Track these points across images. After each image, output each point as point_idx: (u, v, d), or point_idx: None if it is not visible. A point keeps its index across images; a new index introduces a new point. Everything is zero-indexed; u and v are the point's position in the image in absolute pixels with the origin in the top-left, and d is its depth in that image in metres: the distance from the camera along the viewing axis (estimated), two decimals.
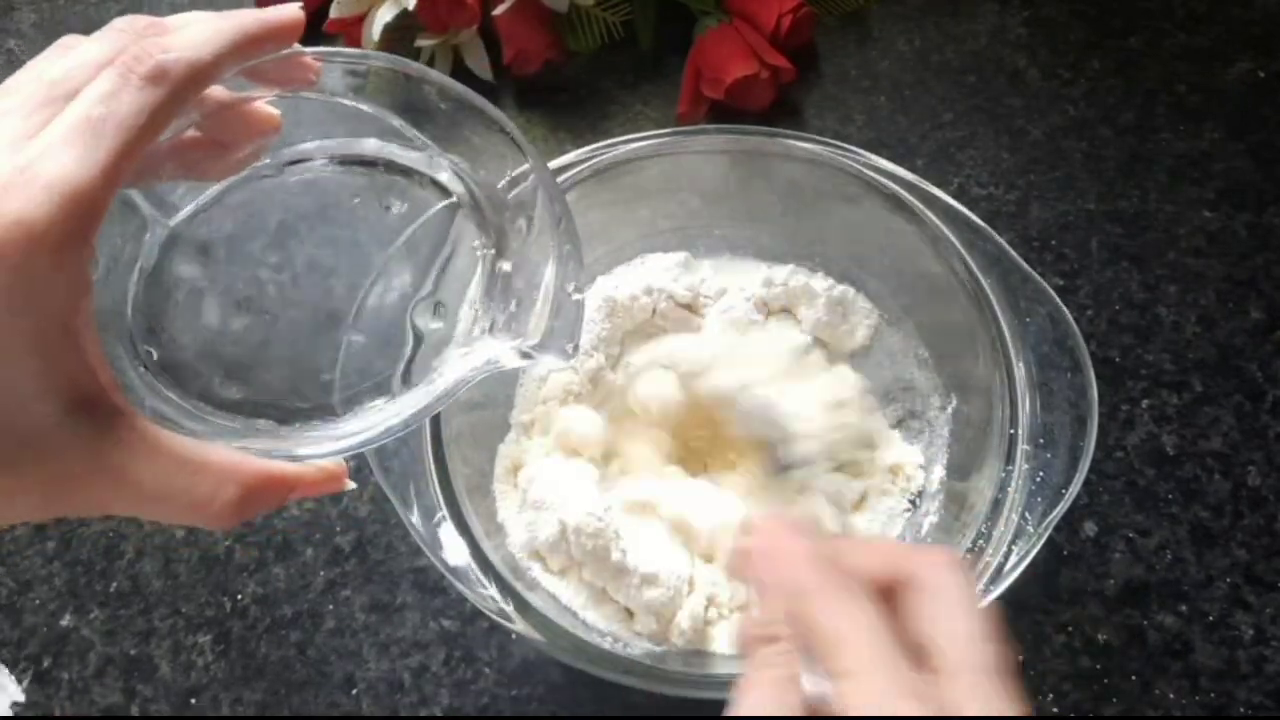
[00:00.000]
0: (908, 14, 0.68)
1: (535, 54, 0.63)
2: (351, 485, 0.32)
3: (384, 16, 0.60)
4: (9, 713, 0.48)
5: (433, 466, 0.42)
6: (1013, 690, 0.26)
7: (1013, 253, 0.44)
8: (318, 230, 0.35)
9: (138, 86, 0.25)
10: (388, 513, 0.52)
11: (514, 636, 0.49)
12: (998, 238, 0.45)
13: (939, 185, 0.47)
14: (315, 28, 0.65)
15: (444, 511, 0.41)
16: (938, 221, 0.45)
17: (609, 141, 0.48)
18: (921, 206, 0.46)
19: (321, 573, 0.51)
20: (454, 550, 0.41)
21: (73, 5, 0.71)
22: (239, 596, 0.50)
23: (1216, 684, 0.47)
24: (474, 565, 0.40)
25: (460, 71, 0.65)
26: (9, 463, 0.23)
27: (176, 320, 0.32)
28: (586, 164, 0.47)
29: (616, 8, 0.63)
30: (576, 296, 0.33)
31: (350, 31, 0.64)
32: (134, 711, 0.48)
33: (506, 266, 0.33)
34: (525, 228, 0.34)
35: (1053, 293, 0.43)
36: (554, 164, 0.47)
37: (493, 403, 0.49)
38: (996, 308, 0.44)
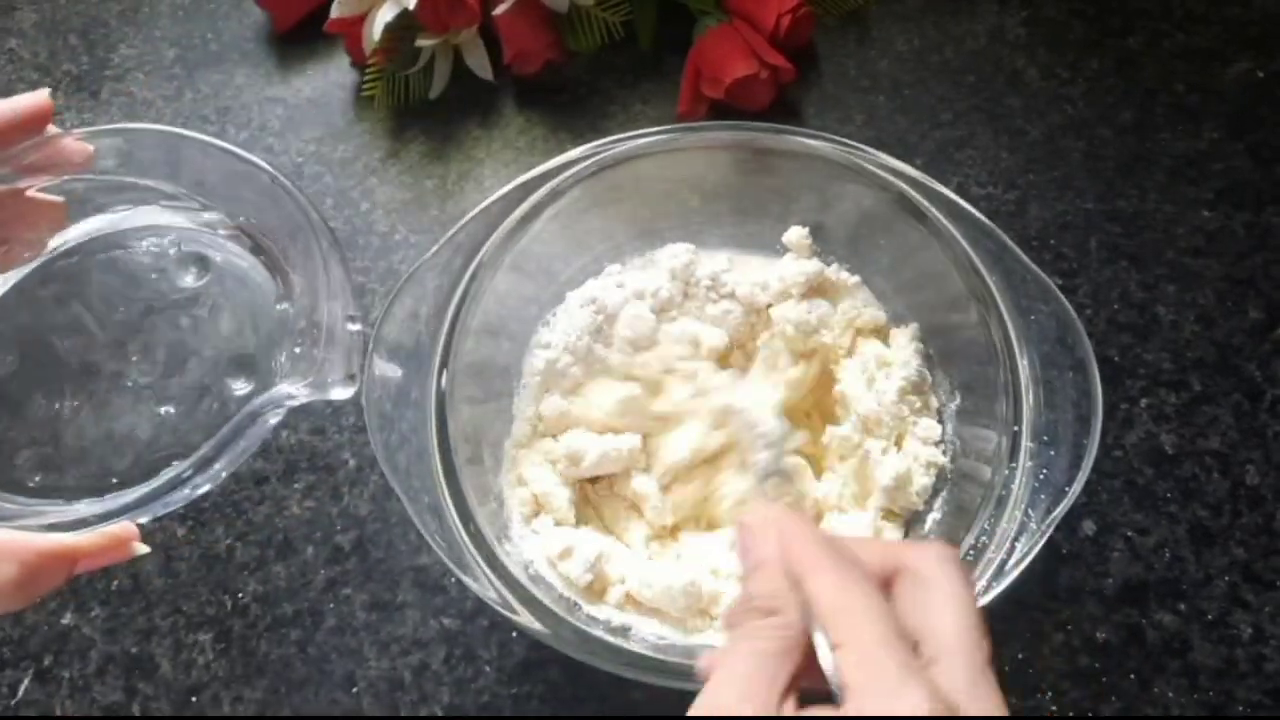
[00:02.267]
0: (907, 14, 0.68)
1: (535, 54, 0.63)
2: (143, 549, 0.32)
3: (384, 16, 0.60)
4: None
5: (438, 460, 0.42)
6: (999, 687, 0.26)
7: (1017, 250, 0.44)
8: (117, 309, 0.36)
9: None
10: (388, 511, 0.52)
11: (514, 634, 0.49)
12: (1002, 235, 0.45)
13: (940, 185, 0.47)
14: (316, 28, 0.65)
15: (449, 504, 0.41)
16: (942, 218, 0.45)
17: (609, 139, 0.48)
18: (926, 203, 0.46)
19: (322, 571, 0.51)
20: (459, 543, 0.41)
21: (74, 5, 0.71)
22: (240, 595, 0.50)
23: (1215, 683, 0.47)
24: (478, 558, 0.40)
25: (460, 71, 0.65)
26: None
27: None
28: (587, 162, 0.47)
29: (616, 8, 0.63)
30: (352, 328, 0.34)
31: (351, 32, 0.64)
32: (135, 710, 0.48)
33: (294, 309, 0.34)
34: (308, 269, 0.35)
35: (1058, 290, 0.43)
36: (554, 162, 0.47)
37: (495, 396, 0.49)
38: (1001, 305, 0.44)
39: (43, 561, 0.28)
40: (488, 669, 0.48)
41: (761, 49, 0.61)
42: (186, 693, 0.48)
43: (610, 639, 0.40)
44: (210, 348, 0.35)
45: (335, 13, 0.63)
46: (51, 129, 0.31)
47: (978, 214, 0.45)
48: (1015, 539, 0.40)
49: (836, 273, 0.51)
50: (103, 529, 0.31)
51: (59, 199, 0.33)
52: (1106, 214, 0.60)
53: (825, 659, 0.26)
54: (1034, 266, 0.44)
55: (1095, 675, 0.47)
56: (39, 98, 0.30)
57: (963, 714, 0.25)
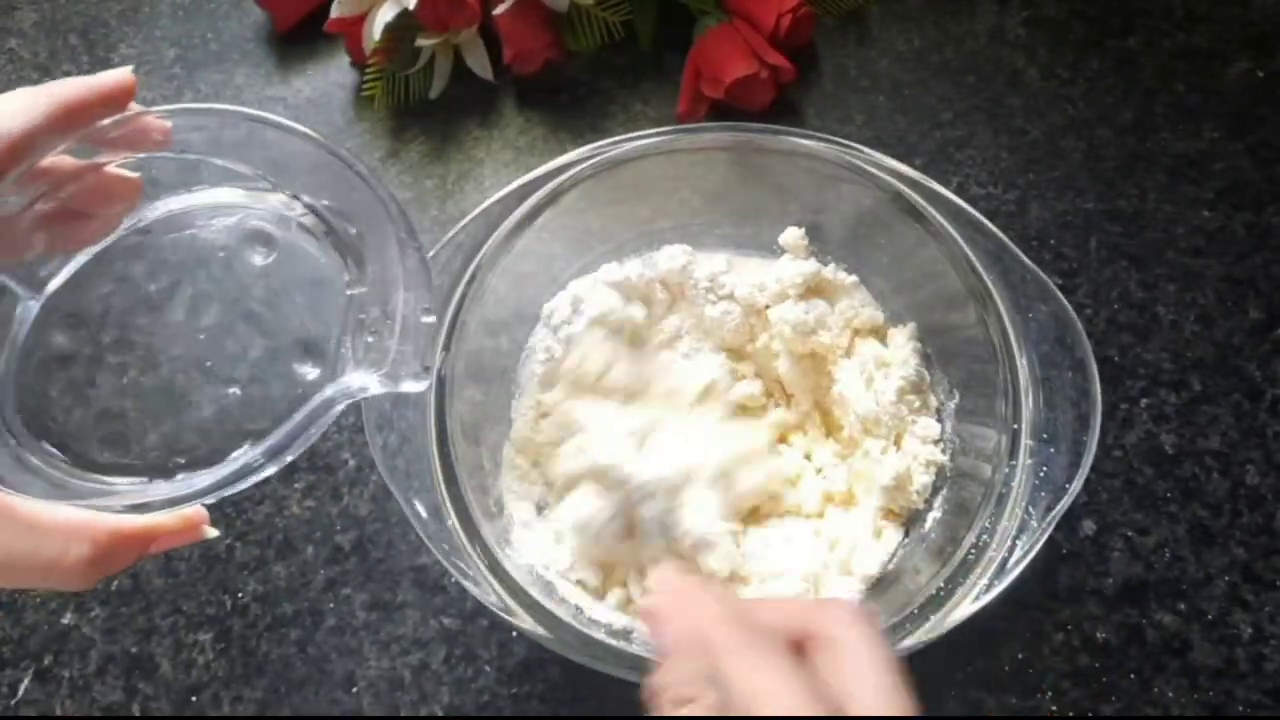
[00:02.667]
0: (907, 14, 0.68)
1: (535, 54, 0.63)
2: (213, 532, 0.33)
3: (384, 16, 0.60)
4: None
5: (437, 463, 0.42)
6: None
7: (1017, 250, 0.44)
8: (189, 288, 0.36)
9: None
10: (388, 511, 0.52)
11: (514, 634, 0.49)
12: (1000, 235, 0.45)
13: (938, 184, 0.47)
14: (316, 28, 0.65)
15: (449, 507, 0.41)
16: (940, 218, 0.45)
17: (610, 140, 0.48)
18: (924, 203, 0.46)
19: (322, 571, 0.51)
20: (459, 547, 0.41)
21: (74, 5, 0.71)
22: (239, 594, 0.50)
23: (1215, 682, 0.47)
24: (479, 562, 0.40)
25: (460, 71, 0.65)
26: None
27: (52, 390, 0.33)
28: (587, 163, 0.47)
29: (616, 7, 0.63)
30: (426, 319, 0.34)
31: (351, 31, 0.64)
32: (135, 710, 0.48)
33: (366, 297, 0.34)
34: (382, 258, 0.35)
35: (1056, 290, 0.43)
36: (554, 164, 0.48)
37: (494, 398, 0.49)
38: (1000, 304, 0.44)
39: (115, 541, 0.29)
40: (488, 669, 0.48)
41: (761, 49, 0.61)
42: (186, 692, 0.48)
43: (612, 642, 0.40)
44: (278, 330, 0.35)
45: (335, 12, 0.63)
46: (134, 106, 0.31)
47: (975, 213, 0.45)
48: (1016, 537, 0.40)
49: (834, 273, 0.51)
50: (175, 511, 0.31)
51: (136, 175, 0.33)
52: (1107, 214, 0.60)
53: None
54: (1033, 266, 0.44)
55: (1095, 675, 0.47)
56: (122, 74, 0.30)
57: None
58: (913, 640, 0.38)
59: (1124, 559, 0.50)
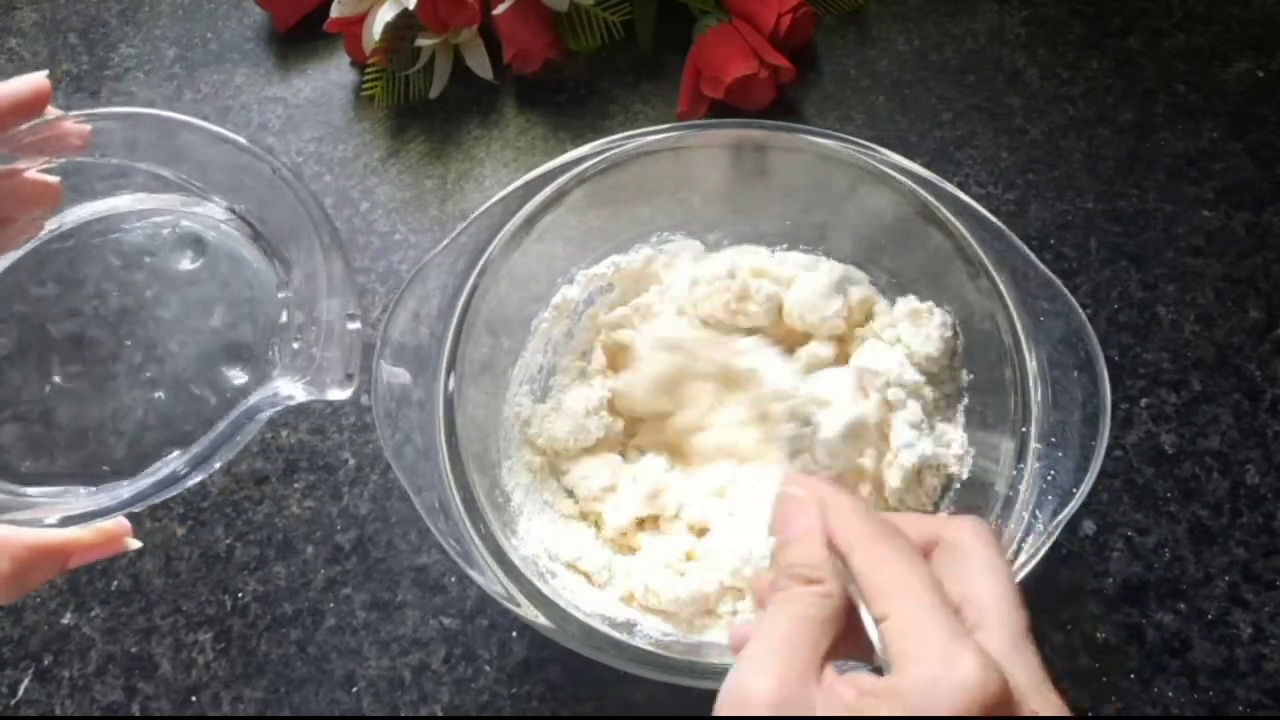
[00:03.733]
0: (907, 13, 0.68)
1: (535, 54, 0.63)
2: (135, 544, 0.32)
3: (384, 16, 0.60)
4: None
5: (445, 454, 0.42)
6: (1037, 653, 0.27)
7: (1026, 250, 0.44)
8: (113, 293, 0.35)
9: None
10: (388, 511, 0.52)
11: (514, 634, 0.49)
12: (1011, 234, 0.44)
13: (950, 185, 0.46)
14: (316, 28, 0.65)
15: (455, 496, 0.41)
16: (951, 217, 0.45)
17: (612, 138, 0.48)
18: (935, 202, 0.46)
19: (322, 571, 0.51)
20: (466, 538, 0.41)
21: (74, 4, 0.71)
22: (240, 594, 0.50)
23: (1215, 682, 0.47)
24: (485, 553, 0.40)
25: (460, 71, 0.65)
26: None
27: None
28: (591, 161, 0.47)
29: (616, 7, 0.63)
30: (351, 326, 0.34)
31: (351, 31, 0.64)
32: (135, 710, 0.48)
33: (291, 301, 0.34)
34: (306, 262, 0.35)
35: (1066, 291, 0.43)
36: (558, 161, 0.47)
37: (500, 392, 0.49)
38: (1010, 305, 0.44)
39: (34, 557, 0.28)
40: (488, 669, 0.48)
41: (761, 48, 0.61)
42: (186, 692, 0.48)
43: (615, 634, 0.40)
44: (205, 335, 0.35)
45: (335, 12, 0.63)
46: (52, 111, 0.31)
47: (986, 213, 0.45)
48: (1022, 540, 0.40)
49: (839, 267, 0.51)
50: (96, 524, 0.31)
51: (55, 180, 0.32)
52: (1107, 213, 0.60)
53: (872, 632, 0.26)
54: (1042, 267, 0.43)
55: (1095, 675, 0.47)
56: (37, 79, 0.30)
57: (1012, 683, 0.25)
58: None
59: (1124, 559, 0.50)
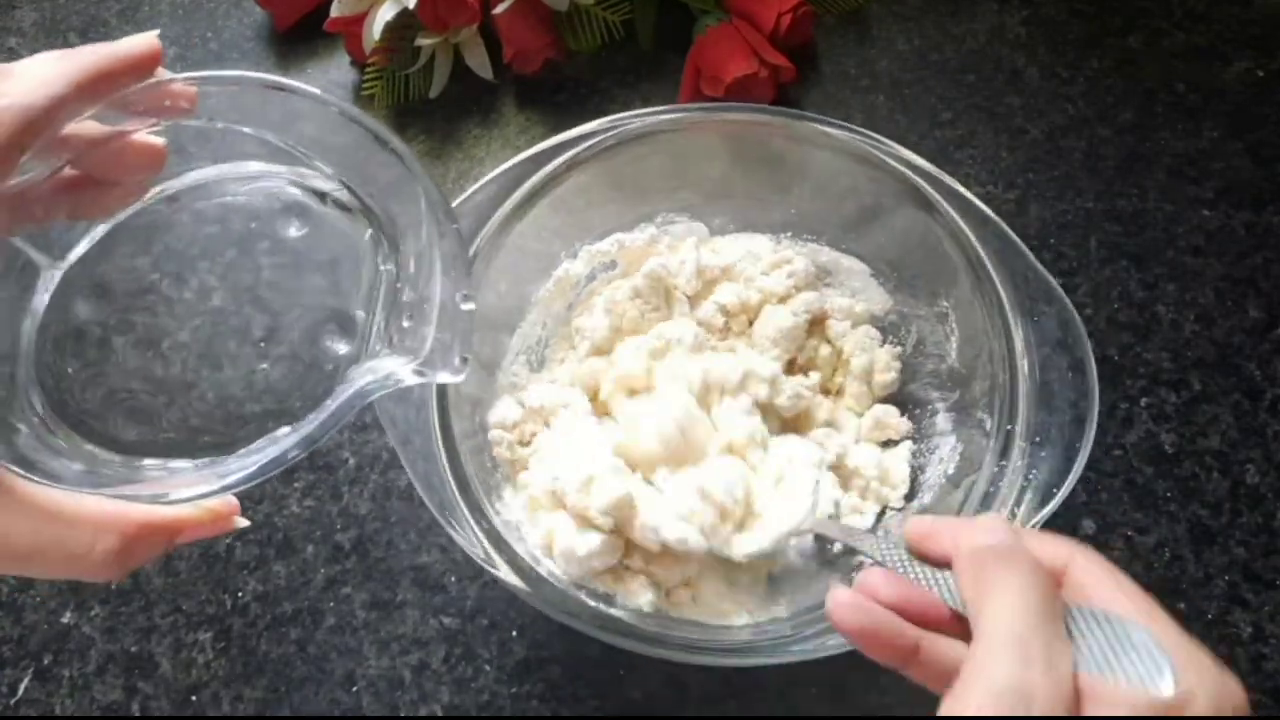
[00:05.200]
0: (907, 13, 0.68)
1: (535, 53, 0.63)
2: (243, 523, 0.32)
3: (385, 15, 0.60)
4: None
5: (434, 412, 0.42)
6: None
7: (1024, 248, 0.44)
8: (217, 260, 0.34)
9: None
10: (388, 510, 0.52)
11: (514, 633, 0.49)
12: (1010, 232, 0.44)
13: (952, 179, 0.46)
14: (316, 27, 0.65)
15: (441, 453, 0.42)
16: (952, 212, 0.45)
17: (622, 115, 0.48)
18: (937, 196, 0.46)
19: (322, 570, 0.51)
20: (450, 501, 0.41)
21: (73, 4, 0.71)
22: (239, 594, 0.50)
23: None
24: (467, 514, 0.41)
25: (460, 70, 0.65)
26: None
27: (73, 364, 0.32)
28: (599, 137, 0.47)
29: (616, 7, 0.63)
30: (465, 307, 0.32)
31: (351, 31, 0.64)
32: (135, 709, 0.48)
33: (399, 280, 0.33)
34: (417, 239, 0.33)
35: (1060, 291, 0.43)
36: (566, 135, 0.47)
37: (495, 360, 0.49)
38: (1005, 302, 0.44)
39: (144, 533, 0.28)
40: (487, 668, 0.48)
41: (761, 48, 0.61)
42: (186, 691, 0.48)
43: (591, 602, 0.40)
44: (308, 306, 0.34)
45: (335, 11, 0.63)
46: (162, 73, 0.31)
47: (987, 210, 0.45)
48: None
49: (840, 257, 0.52)
50: (205, 503, 0.30)
51: (161, 142, 0.32)
52: (1106, 213, 0.60)
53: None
54: (1040, 267, 0.44)
55: None
56: (148, 39, 0.30)
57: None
58: None
59: (1124, 558, 0.50)
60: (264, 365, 0.33)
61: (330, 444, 0.54)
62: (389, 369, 0.32)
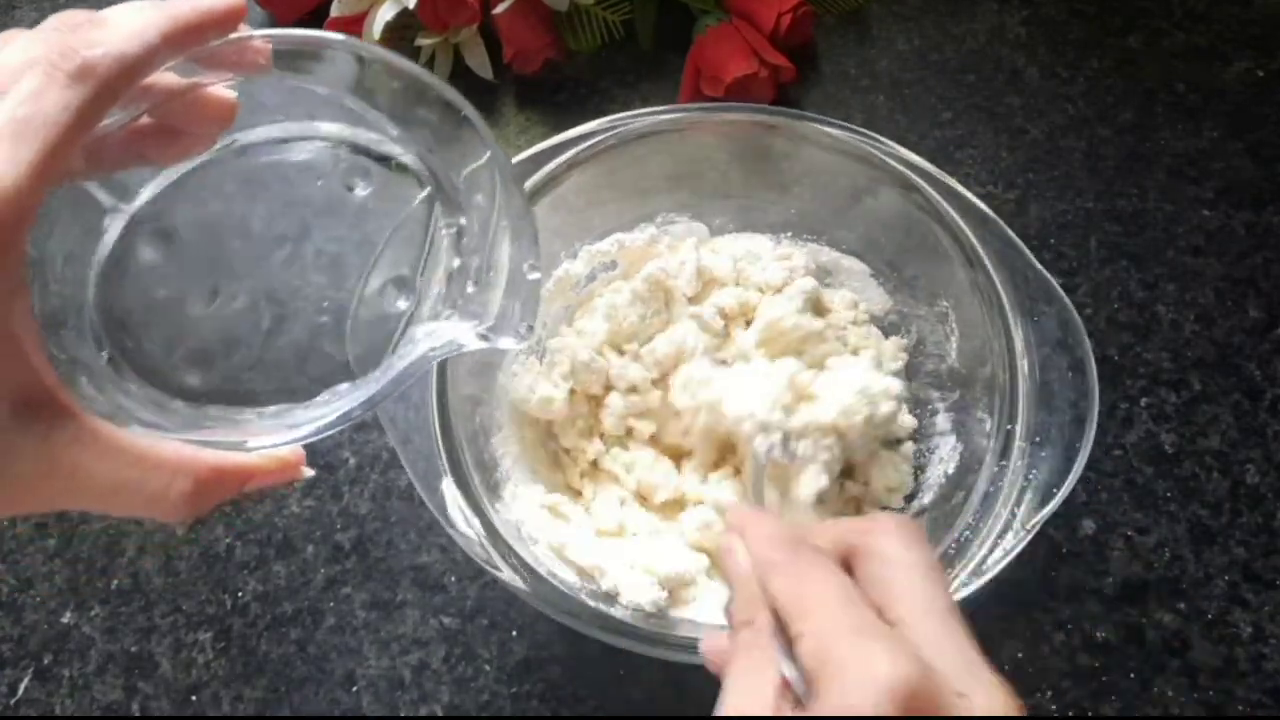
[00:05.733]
0: (907, 13, 0.68)
1: (535, 53, 0.63)
2: (309, 472, 0.32)
3: (385, 15, 0.60)
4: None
5: (435, 417, 0.42)
6: (967, 634, 0.27)
7: (1026, 251, 0.44)
8: (281, 213, 0.34)
9: (63, 84, 0.24)
10: (388, 510, 0.52)
11: (514, 633, 0.49)
12: (1011, 234, 0.44)
13: (954, 180, 0.47)
14: (316, 26, 0.65)
15: (442, 454, 0.42)
16: (953, 212, 0.45)
17: (621, 115, 0.48)
18: (938, 197, 0.46)
19: (322, 570, 0.51)
20: (453, 497, 0.41)
21: (73, 3, 0.71)
22: (239, 594, 0.50)
23: (1215, 682, 0.47)
24: (467, 511, 0.41)
25: (460, 70, 0.65)
26: None
27: (138, 307, 0.32)
28: (599, 136, 0.47)
29: (616, 7, 0.63)
30: (532, 276, 0.32)
31: (350, 30, 0.64)
32: (135, 709, 0.48)
33: (465, 244, 0.33)
34: (482, 205, 0.34)
35: (1061, 291, 0.43)
36: (566, 135, 0.47)
37: (493, 362, 0.49)
38: (1005, 302, 0.44)
39: (216, 477, 0.29)
40: (487, 668, 0.48)
41: (761, 48, 0.61)
42: (186, 691, 0.48)
43: (590, 602, 0.40)
44: (368, 263, 0.34)
45: (335, 11, 0.63)
46: (244, 28, 0.31)
47: (988, 210, 0.45)
48: (999, 537, 0.40)
49: (840, 257, 0.52)
50: (273, 452, 0.31)
51: (234, 96, 0.32)
52: (1106, 213, 0.60)
53: (783, 666, 0.26)
54: (1040, 268, 0.44)
55: (1095, 674, 0.47)
56: None
57: (936, 667, 0.25)
58: None
59: (1124, 558, 0.50)
60: (323, 319, 0.33)
61: (330, 444, 0.54)
62: (452, 333, 0.32)
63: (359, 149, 0.35)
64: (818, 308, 0.52)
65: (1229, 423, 0.53)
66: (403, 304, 0.34)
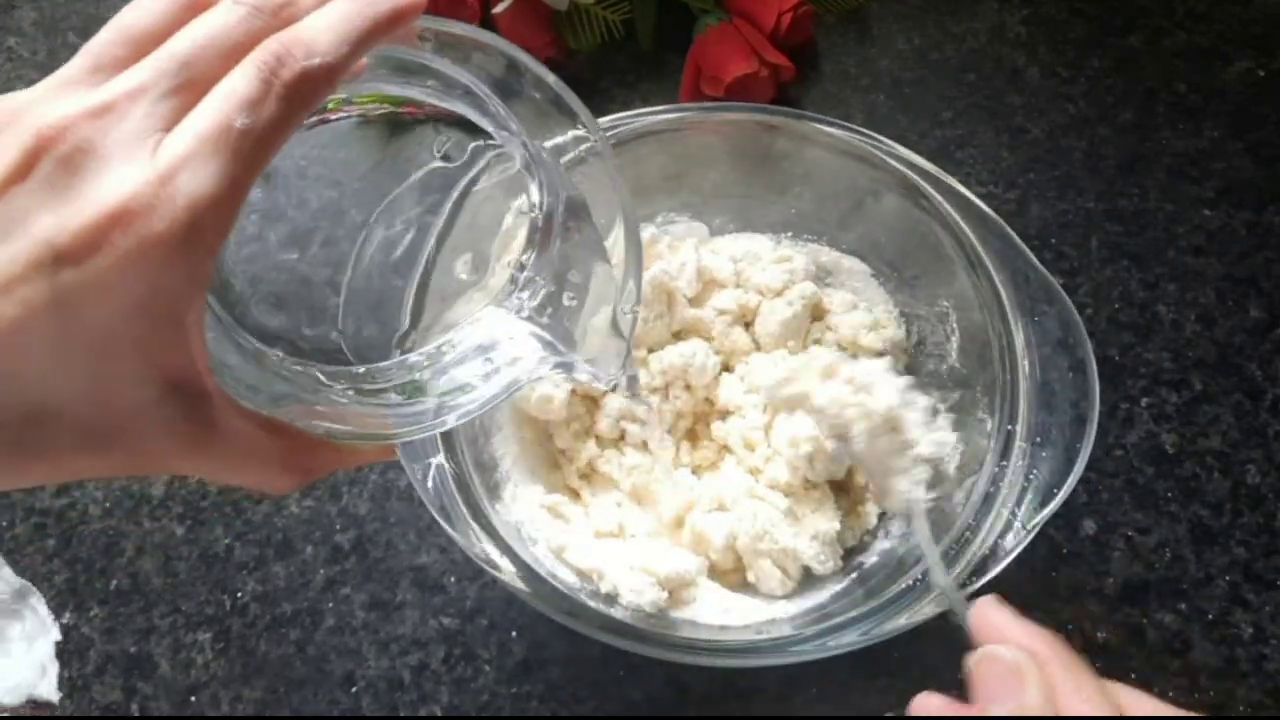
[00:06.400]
0: (907, 12, 0.68)
1: (535, 52, 0.63)
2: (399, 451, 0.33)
3: None
4: (51, 650, 0.49)
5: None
6: None
7: (1025, 249, 0.44)
8: (378, 175, 0.34)
9: (281, 95, 0.24)
10: (387, 511, 0.52)
11: (513, 634, 0.49)
12: (1012, 233, 0.44)
13: (954, 180, 0.46)
14: None
15: (440, 453, 0.42)
16: (954, 213, 0.45)
17: (620, 115, 0.48)
18: (939, 197, 0.46)
19: (321, 570, 0.51)
20: (450, 497, 0.41)
21: (73, 3, 0.71)
22: (239, 594, 0.50)
23: (1216, 682, 0.47)
24: (467, 513, 0.41)
25: None
26: (103, 436, 0.24)
27: (230, 246, 0.31)
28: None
29: (616, 6, 0.63)
30: (627, 317, 0.32)
31: None
32: (134, 709, 0.48)
33: (557, 248, 0.32)
34: (578, 220, 0.33)
35: (1062, 291, 0.43)
36: (567, 135, 0.47)
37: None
38: (1006, 302, 0.44)
39: (321, 466, 0.31)
40: (487, 669, 0.48)
41: (762, 47, 0.61)
42: (186, 692, 0.48)
43: (590, 603, 0.40)
44: (451, 237, 0.34)
45: None
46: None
47: (988, 210, 0.45)
48: (999, 537, 0.40)
49: (840, 257, 0.52)
50: (372, 443, 0.31)
51: (364, 61, 0.31)
52: (1107, 213, 0.60)
53: None
54: (1040, 268, 0.44)
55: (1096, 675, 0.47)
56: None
57: None
58: (892, 626, 0.38)
59: (1125, 558, 0.50)
60: (398, 282, 0.33)
61: None
62: (532, 347, 0.31)
63: (466, 124, 0.34)
64: (817, 311, 0.52)
65: (1230, 423, 0.53)
66: (474, 276, 0.34)
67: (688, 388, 0.50)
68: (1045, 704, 0.27)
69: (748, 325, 0.52)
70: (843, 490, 0.48)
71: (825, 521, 0.46)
